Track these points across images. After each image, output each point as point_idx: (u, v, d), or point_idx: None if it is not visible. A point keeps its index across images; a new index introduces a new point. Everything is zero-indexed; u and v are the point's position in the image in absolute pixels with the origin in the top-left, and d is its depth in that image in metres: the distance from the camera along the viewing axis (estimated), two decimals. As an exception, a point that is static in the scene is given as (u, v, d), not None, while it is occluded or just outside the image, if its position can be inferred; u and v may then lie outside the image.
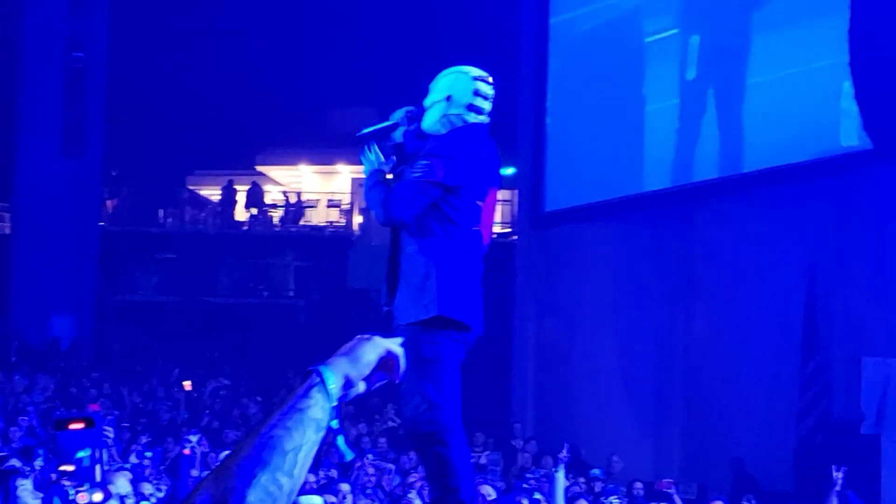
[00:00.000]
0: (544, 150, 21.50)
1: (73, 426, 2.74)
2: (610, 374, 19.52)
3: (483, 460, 14.88)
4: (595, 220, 20.39)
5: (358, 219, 31.57)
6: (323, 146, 33.39)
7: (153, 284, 31.50)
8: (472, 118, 5.31)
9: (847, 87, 14.62)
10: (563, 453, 10.44)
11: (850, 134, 15.07)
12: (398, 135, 5.37)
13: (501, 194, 26.18)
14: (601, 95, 20.29)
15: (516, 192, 24.15)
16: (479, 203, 5.21)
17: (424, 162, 5.14)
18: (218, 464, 2.28)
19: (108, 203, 29.92)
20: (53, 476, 8.72)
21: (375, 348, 2.43)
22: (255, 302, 30.30)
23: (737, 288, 17.48)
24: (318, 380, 2.34)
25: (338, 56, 29.02)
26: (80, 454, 2.69)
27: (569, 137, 20.97)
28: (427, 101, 5.38)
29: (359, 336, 2.44)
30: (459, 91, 5.30)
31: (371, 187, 5.28)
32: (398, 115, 5.40)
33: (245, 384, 21.19)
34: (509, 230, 28.17)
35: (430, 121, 5.33)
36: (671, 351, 18.80)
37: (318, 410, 2.31)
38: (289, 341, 26.55)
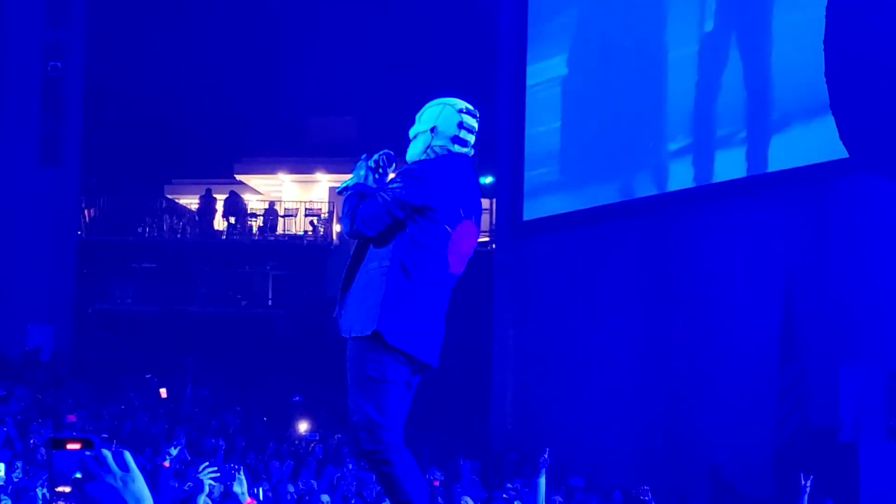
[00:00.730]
0: (522, 159, 21.53)
1: (70, 446, 2.69)
2: (589, 382, 19.55)
3: (462, 469, 14.86)
4: (573, 229, 20.42)
5: (336, 228, 31.54)
6: (302, 155, 33.38)
7: (131, 294, 31.40)
8: (456, 149, 5.31)
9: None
10: (545, 457, 10.44)
11: None
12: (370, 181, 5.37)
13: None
14: (576, 85, 20.40)
15: (495, 200, 24.18)
16: (449, 228, 5.18)
17: (396, 181, 5.17)
18: None
19: (86, 212, 29.82)
20: (46, 493, 8.66)
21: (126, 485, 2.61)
22: (234, 311, 30.23)
23: (715, 296, 17.52)
24: None
25: (316, 64, 29.01)
26: (78, 475, 2.66)
27: (545, 134, 21.03)
28: (412, 132, 5.39)
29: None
30: (444, 123, 5.30)
31: (347, 198, 5.30)
32: (361, 165, 5.41)
33: (223, 393, 21.14)
34: (488, 239, 28.19)
35: (415, 152, 5.34)
36: (650, 358, 18.83)
37: None
38: (267, 350, 26.50)
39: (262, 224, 31.24)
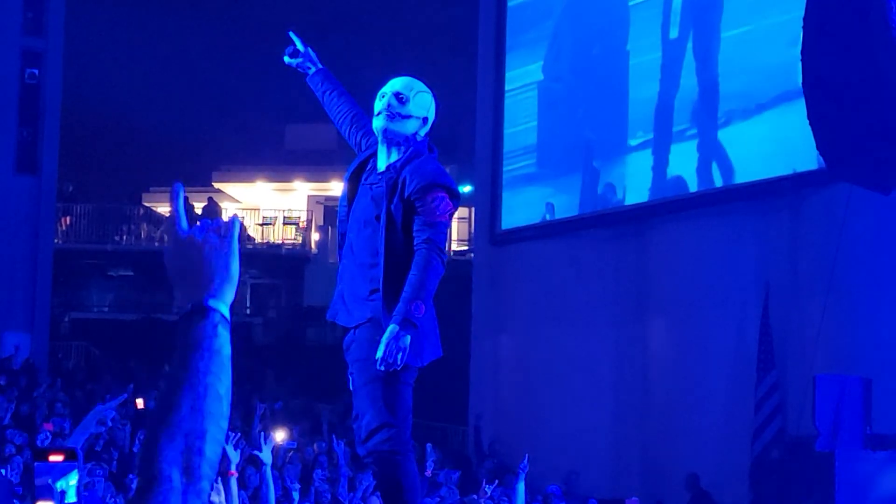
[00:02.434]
0: (501, 170, 21.58)
1: (52, 458, 2.62)
2: (567, 392, 19.56)
3: (440, 477, 14.84)
4: (551, 238, 20.46)
5: (315, 236, 31.53)
6: (280, 163, 33.36)
7: (108, 302, 31.33)
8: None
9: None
10: (524, 462, 10.45)
11: None
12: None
13: (459, 211, 26.30)
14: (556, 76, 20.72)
15: (473, 210, 24.21)
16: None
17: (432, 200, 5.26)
18: (159, 420, 2.25)
19: (63, 220, 29.72)
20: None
21: (225, 250, 2.45)
22: (212, 319, 30.13)
23: (692, 305, 17.56)
24: (218, 316, 2.36)
25: (294, 72, 29.02)
26: (60, 484, 2.59)
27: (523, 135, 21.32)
28: (403, 109, 5.32)
29: (182, 241, 2.42)
30: (433, 115, 5.41)
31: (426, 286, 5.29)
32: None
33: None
34: (466, 247, 28.21)
35: (401, 131, 5.32)
36: (628, 368, 18.86)
37: (228, 346, 2.33)
38: (244, 359, 26.45)
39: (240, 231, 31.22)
